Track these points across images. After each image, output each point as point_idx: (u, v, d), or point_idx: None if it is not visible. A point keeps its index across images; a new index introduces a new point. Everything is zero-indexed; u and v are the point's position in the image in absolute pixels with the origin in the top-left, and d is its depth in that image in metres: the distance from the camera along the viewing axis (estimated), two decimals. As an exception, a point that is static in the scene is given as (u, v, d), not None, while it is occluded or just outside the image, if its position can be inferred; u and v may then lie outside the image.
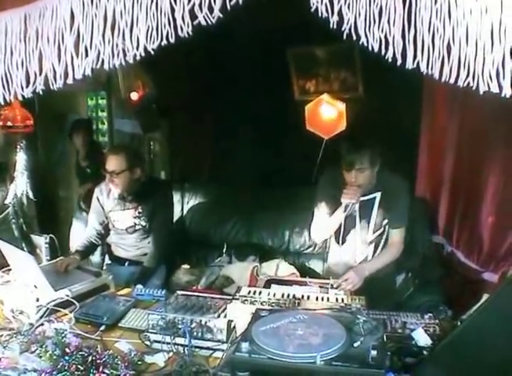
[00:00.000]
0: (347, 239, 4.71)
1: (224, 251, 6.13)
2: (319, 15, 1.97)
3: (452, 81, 1.95)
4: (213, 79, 7.71)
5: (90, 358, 2.86)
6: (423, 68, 1.96)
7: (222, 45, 6.60)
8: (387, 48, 1.95)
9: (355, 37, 1.96)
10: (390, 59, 1.95)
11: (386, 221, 4.64)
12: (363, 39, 1.96)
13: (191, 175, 7.84)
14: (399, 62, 1.97)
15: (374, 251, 4.72)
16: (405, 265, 5.45)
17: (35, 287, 3.94)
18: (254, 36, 6.72)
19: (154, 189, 5.19)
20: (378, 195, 4.55)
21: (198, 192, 6.59)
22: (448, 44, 1.93)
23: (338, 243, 4.76)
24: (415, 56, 1.95)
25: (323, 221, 4.68)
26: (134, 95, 8.23)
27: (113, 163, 4.88)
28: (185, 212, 6.53)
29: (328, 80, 7.72)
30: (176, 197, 6.16)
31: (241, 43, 6.82)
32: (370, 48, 1.96)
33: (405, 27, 1.94)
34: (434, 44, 1.94)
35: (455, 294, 4.98)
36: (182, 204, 6.54)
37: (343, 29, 1.96)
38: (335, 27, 1.94)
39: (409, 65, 1.98)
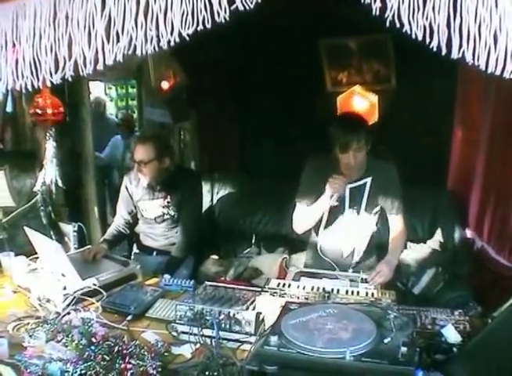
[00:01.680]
0: (336, 227, 4.52)
1: (253, 242, 6.13)
2: (361, 1, 1.90)
3: (498, 72, 1.88)
4: (244, 70, 7.67)
5: (116, 348, 2.85)
6: (468, 58, 1.89)
7: (253, 34, 6.56)
8: (431, 37, 1.88)
9: (398, 25, 1.89)
10: (434, 49, 1.88)
11: (378, 208, 4.49)
12: (407, 27, 1.89)
13: (221, 165, 7.80)
14: (444, 51, 1.90)
15: (370, 241, 4.60)
16: (435, 259, 5.40)
17: (63, 275, 3.94)
18: (286, 26, 6.68)
19: (183, 179, 5.17)
20: (369, 180, 4.35)
21: (228, 182, 6.59)
22: (495, 34, 1.86)
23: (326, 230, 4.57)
24: (460, 46, 1.88)
25: (306, 210, 4.46)
26: (164, 85, 8.19)
27: (141, 152, 4.87)
28: (214, 202, 6.52)
29: (360, 71, 7.62)
30: (206, 187, 6.15)
31: (273, 33, 6.77)
32: (414, 36, 1.89)
33: (451, 15, 1.87)
34: (480, 33, 1.86)
35: (485, 290, 4.92)
36: (212, 195, 6.54)
37: (386, 16, 1.89)
38: (377, 13, 1.88)
39: (454, 55, 1.90)
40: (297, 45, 6.99)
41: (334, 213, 4.43)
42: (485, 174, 5.21)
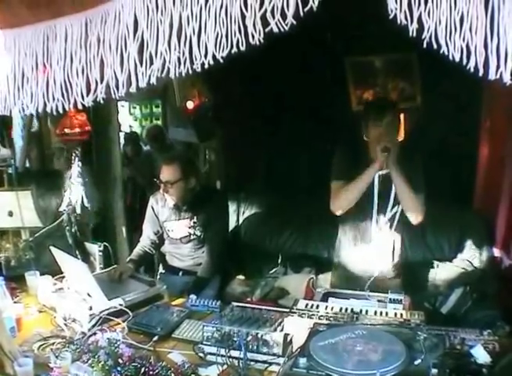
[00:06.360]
0: (361, 242, 4.45)
1: (279, 262, 6.10)
2: (398, 22, 1.87)
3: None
4: (269, 88, 7.66)
5: (143, 369, 2.85)
6: (506, 79, 1.85)
7: (279, 53, 6.56)
8: (468, 58, 1.85)
9: (435, 46, 1.86)
10: (471, 70, 1.85)
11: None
12: (444, 48, 1.86)
13: (247, 184, 7.78)
14: (481, 72, 1.86)
15: (396, 258, 4.49)
16: (463, 279, 5.36)
17: (88, 295, 3.93)
18: (312, 45, 6.67)
19: (209, 199, 5.15)
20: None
21: (254, 202, 6.57)
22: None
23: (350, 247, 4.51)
24: (498, 67, 1.85)
25: (346, 187, 4.28)
26: (190, 104, 8.21)
27: (167, 173, 4.87)
28: (240, 222, 6.50)
29: (386, 90, 7.62)
30: (232, 207, 6.14)
31: (298, 51, 6.77)
32: (451, 57, 1.86)
33: (488, 35, 1.84)
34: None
35: (513, 309, 4.87)
36: (238, 214, 6.53)
37: (423, 37, 1.86)
38: (414, 35, 1.85)
39: (492, 76, 1.86)
40: (322, 63, 7.00)
41: (359, 228, 4.43)
42: (512, 192, 5.18)
